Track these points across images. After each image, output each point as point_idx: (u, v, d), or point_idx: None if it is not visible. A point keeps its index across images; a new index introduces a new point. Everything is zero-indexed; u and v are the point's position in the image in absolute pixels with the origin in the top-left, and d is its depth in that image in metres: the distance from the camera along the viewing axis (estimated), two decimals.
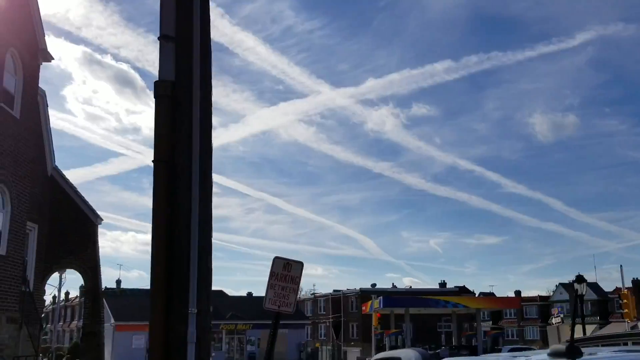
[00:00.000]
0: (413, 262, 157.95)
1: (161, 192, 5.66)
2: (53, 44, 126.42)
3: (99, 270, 22.50)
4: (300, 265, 7.09)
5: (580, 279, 22.85)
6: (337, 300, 77.57)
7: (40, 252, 20.81)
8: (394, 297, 56.89)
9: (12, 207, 15.96)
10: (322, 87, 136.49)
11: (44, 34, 17.68)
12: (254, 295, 72.96)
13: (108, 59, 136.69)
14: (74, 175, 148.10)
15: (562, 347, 2.69)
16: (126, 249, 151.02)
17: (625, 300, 28.26)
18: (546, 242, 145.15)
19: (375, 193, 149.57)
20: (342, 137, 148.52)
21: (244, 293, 74.42)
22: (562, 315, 34.66)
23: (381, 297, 51.39)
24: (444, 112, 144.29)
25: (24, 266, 18.02)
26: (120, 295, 69.85)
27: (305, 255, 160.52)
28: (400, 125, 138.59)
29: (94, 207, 23.15)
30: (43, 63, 18.41)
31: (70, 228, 22.26)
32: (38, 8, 17.24)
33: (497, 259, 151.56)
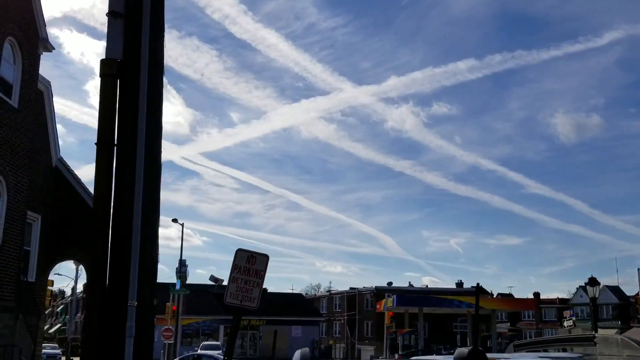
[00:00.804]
0: (433, 261, 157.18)
1: (103, 176, 5.36)
2: (75, 39, 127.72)
3: None
4: (265, 258, 6.74)
5: (593, 281, 22.17)
6: (353, 298, 77.11)
7: (43, 243, 20.74)
8: (407, 296, 56.34)
9: (9, 197, 15.84)
10: (344, 84, 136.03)
11: (44, 23, 17.53)
12: (268, 291, 72.81)
13: None
14: None
15: (466, 351, 2.34)
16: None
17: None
18: (569, 244, 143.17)
19: (396, 191, 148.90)
20: (363, 135, 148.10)
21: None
22: (573, 318, 33.84)
23: (395, 296, 50.93)
24: (467, 111, 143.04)
25: (23, 256, 17.91)
26: None
27: (325, 252, 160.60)
28: (421, 124, 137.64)
29: None
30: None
31: (73, 220, 22.16)
32: None
33: (519, 260, 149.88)
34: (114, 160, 5.38)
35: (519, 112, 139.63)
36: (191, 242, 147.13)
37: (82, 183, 22.94)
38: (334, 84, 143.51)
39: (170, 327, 45.48)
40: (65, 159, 22.97)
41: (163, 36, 5.75)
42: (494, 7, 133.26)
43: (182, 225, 49.27)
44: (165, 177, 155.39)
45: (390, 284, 78.66)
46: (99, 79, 5.50)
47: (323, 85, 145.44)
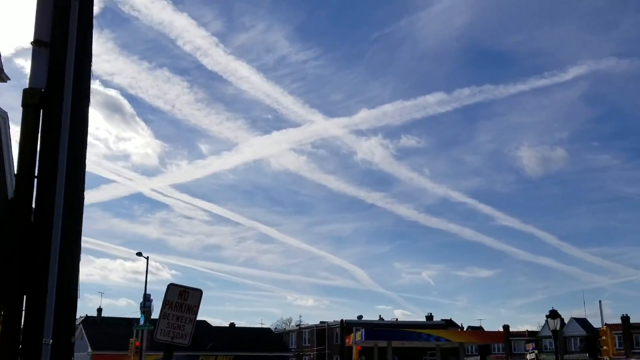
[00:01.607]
0: (405, 294, 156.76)
1: (23, 209, 5.22)
2: None
3: None
4: (198, 293, 6.57)
5: (554, 314, 22.24)
6: (322, 332, 76.36)
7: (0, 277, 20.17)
8: (376, 329, 55.97)
9: None
10: (316, 116, 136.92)
11: None
12: (236, 326, 71.78)
13: (96, 85, 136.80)
14: None
15: None
16: (114, 277, 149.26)
17: (603, 337, 27.64)
18: (539, 276, 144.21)
19: (368, 223, 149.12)
20: (334, 167, 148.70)
21: (236, 324, 73.33)
22: (535, 352, 33.95)
23: (363, 330, 50.55)
24: (437, 144, 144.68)
25: None
26: (101, 324, 68.46)
27: (296, 286, 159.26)
28: (391, 156, 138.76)
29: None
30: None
31: None
32: None
33: (489, 292, 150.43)
34: (33, 193, 5.23)
35: (487, 145, 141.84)
36: (160, 275, 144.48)
37: None
38: (305, 116, 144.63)
39: None
40: None
41: (90, 66, 5.66)
42: (462, 42, 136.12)
43: (147, 258, 48.53)
44: (134, 209, 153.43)
45: (360, 317, 78.20)
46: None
47: (294, 117, 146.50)
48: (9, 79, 17.90)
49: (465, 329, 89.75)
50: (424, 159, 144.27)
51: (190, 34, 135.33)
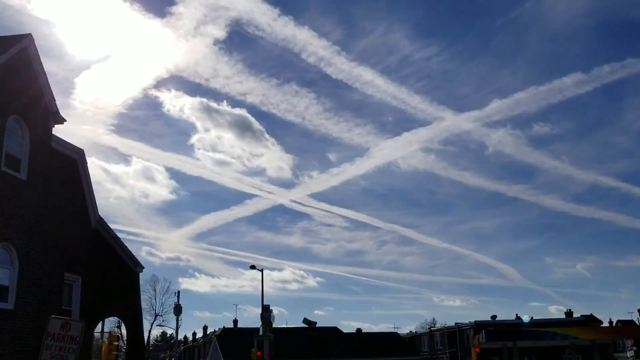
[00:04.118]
0: (560, 289, 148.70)
1: None
2: (173, 97, 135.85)
3: (141, 318, 23.28)
4: (80, 324, 6.82)
5: None
6: (453, 334, 74.46)
7: (84, 302, 21.88)
8: (497, 330, 53.54)
9: (20, 264, 16.91)
10: (445, 112, 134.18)
11: (53, 98, 18.86)
12: (363, 331, 71.97)
13: (224, 106, 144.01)
14: (215, 218, 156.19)
15: None
16: (264, 287, 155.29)
17: None
18: None
19: (511, 218, 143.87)
20: (467, 163, 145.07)
21: (383, 327, 73.75)
22: (634, 348, 30.63)
23: (484, 331, 48.59)
24: (576, 128, 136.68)
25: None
26: (236, 334, 71.11)
27: (442, 286, 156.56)
28: (526, 146, 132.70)
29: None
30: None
31: (112, 277, 23.29)
32: (44, 73, 18.45)
33: None
34: None
35: (636, 123, 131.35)
36: (306, 283, 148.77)
37: (121, 242, 24.14)
38: (434, 113, 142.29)
39: None
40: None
41: None
42: (593, 17, 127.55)
43: (262, 271, 50.23)
44: (277, 221, 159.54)
45: (494, 317, 75.32)
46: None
47: (423, 115, 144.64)
48: (65, 121, 19.44)
49: (614, 324, 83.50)
50: (562, 145, 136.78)
51: (313, 46, 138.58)
